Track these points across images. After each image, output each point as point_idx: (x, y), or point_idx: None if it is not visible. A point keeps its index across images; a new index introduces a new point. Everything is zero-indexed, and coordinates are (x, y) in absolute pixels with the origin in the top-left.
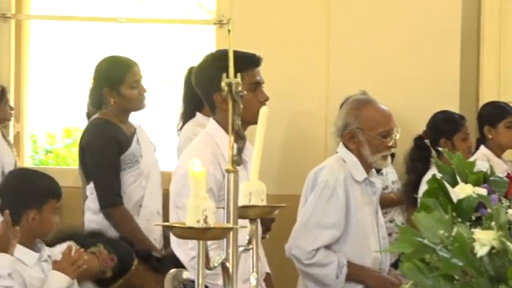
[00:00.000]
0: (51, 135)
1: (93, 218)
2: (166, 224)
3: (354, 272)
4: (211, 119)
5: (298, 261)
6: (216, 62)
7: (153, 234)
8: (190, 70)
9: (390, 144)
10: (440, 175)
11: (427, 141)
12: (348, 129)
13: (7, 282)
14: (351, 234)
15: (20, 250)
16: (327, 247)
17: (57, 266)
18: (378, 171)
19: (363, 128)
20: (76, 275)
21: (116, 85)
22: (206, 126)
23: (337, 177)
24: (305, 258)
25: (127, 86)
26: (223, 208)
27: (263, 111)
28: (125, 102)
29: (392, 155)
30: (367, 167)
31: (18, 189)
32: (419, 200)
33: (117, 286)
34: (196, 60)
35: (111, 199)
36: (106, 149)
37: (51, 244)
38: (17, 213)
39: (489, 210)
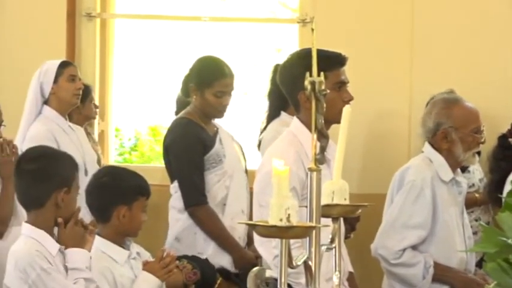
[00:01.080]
0: (135, 133)
1: (178, 216)
2: (250, 222)
3: (440, 273)
4: (294, 118)
5: (384, 261)
6: (301, 61)
7: (237, 232)
8: (276, 68)
9: (482, 140)
10: None
11: (511, 140)
12: (440, 129)
13: (86, 274)
14: (437, 235)
15: (110, 247)
16: (414, 247)
17: (148, 267)
18: (464, 169)
19: (456, 126)
20: (166, 278)
21: (202, 86)
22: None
23: (424, 177)
24: (392, 258)
25: (211, 92)
26: (306, 207)
27: (346, 110)
28: (204, 106)
29: (478, 153)
30: (454, 166)
31: (109, 186)
32: (503, 200)
33: None
34: (280, 58)
35: (195, 198)
36: (190, 148)
37: None
38: (107, 210)
39: None
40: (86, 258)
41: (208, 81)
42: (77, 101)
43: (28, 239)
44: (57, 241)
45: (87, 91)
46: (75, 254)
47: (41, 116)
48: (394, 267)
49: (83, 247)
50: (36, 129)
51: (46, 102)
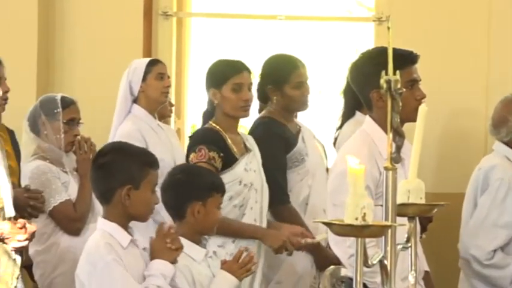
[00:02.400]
0: None
1: None
2: (325, 221)
3: None
4: (367, 117)
5: (477, 262)
6: (372, 60)
7: (319, 231)
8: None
9: None
10: None
11: None
12: None
13: (160, 282)
14: None
15: (188, 246)
16: (502, 248)
17: (226, 266)
18: None
19: None
20: (244, 278)
21: (279, 84)
22: None
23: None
24: (484, 259)
25: (291, 86)
26: (381, 206)
27: (422, 109)
28: (288, 102)
29: None
30: None
31: (183, 183)
32: None
33: None
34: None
35: (278, 197)
36: (272, 147)
37: None
38: (182, 207)
39: None
40: (165, 268)
41: (284, 77)
42: (165, 99)
43: (101, 232)
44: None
45: None
46: (155, 263)
47: (130, 114)
48: (486, 268)
49: (169, 260)
50: (125, 128)
51: (136, 100)
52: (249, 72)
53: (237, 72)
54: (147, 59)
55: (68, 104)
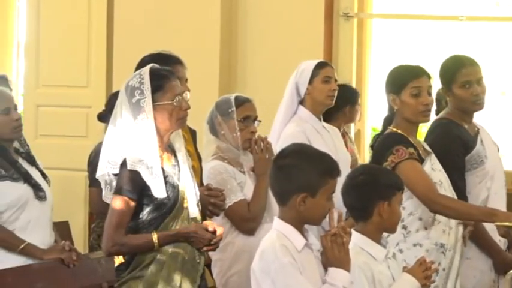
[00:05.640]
0: None
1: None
2: (507, 224)
3: None
4: None
5: None
6: None
7: (497, 235)
8: None
9: None
10: None
11: None
12: None
13: None
14: None
15: (369, 245)
16: None
17: (410, 270)
18: None
19: None
20: (425, 283)
21: (448, 84)
22: None
23: None
24: None
25: (458, 85)
26: None
27: None
28: (457, 102)
29: None
30: None
31: (367, 184)
32: None
33: None
34: None
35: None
36: (451, 149)
37: None
38: (368, 208)
39: None
40: (345, 279)
41: (451, 77)
42: (331, 102)
43: (276, 232)
44: (323, 262)
45: (356, 96)
46: (336, 273)
47: (295, 116)
48: None
49: (346, 268)
50: (290, 129)
51: (301, 102)
52: (428, 76)
53: (415, 76)
54: (315, 61)
55: (241, 102)
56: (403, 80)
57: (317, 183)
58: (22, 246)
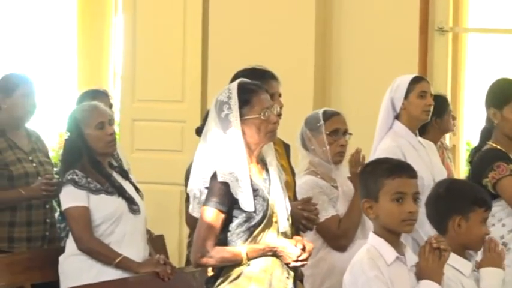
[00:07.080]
0: None
1: None
2: None
3: None
4: None
5: None
6: None
7: None
8: None
9: None
10: None
11: None
12: None
13: None
14: None
15: (454, 258)
16: None
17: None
18: None
19: None
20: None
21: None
22: None
23: None
24: None
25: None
26: None
27: None
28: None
29: None
30: None
31: (444, 197)
32: None
33: None
34: None
35: None
36: None
37: None
38: (443, 221)
39: None
40: None
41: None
42: (426, 117)
43: (368, 246)
44: (416, 273)
45: (445, 104)
46: (427, 285)
47: (391, 131)
48: None
49: (437, 280)
50: (386, 144)
51: (397, 117)
52: None
53: None
54: (411, 76)
55: (329, 115)
56: (507, 95)
57: None
58: (118, 259)
